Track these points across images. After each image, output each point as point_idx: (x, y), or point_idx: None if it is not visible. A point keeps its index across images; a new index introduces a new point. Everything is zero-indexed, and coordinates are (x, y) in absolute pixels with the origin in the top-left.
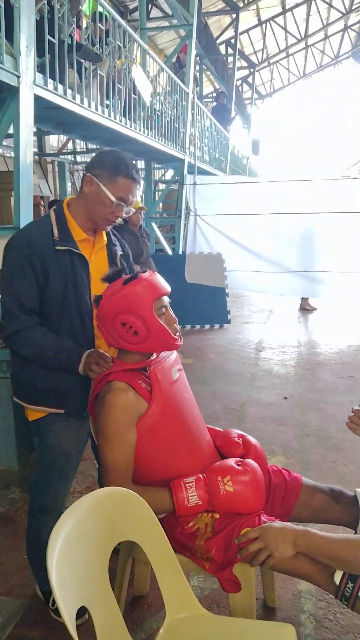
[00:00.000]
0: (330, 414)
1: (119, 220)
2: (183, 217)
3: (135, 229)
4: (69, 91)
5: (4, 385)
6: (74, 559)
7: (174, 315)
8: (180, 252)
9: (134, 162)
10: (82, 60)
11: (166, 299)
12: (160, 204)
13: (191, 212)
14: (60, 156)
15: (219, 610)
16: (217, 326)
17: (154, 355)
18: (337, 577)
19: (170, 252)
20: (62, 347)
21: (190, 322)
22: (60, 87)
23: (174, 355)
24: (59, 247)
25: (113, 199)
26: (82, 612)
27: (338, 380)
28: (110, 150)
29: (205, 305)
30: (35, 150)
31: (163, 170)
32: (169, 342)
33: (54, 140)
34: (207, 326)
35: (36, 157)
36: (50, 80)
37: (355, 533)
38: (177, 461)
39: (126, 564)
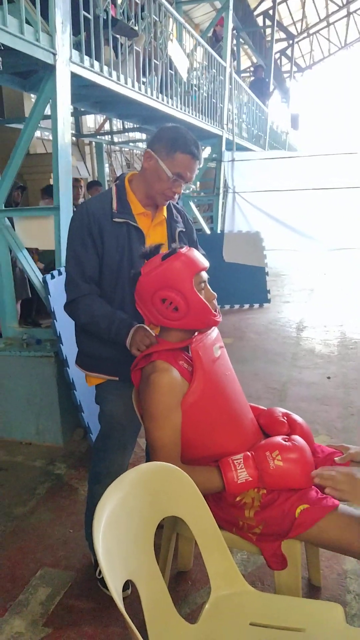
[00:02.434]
0: None
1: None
2: (221, 195)
3: None
4: (105, 68)
5: (47, 364)
6: (119, 533)
7: (213, 292)
8: (218, 231)
9: (194, 138)
10: (117, 36)
11: (205, 275)
12: (198, 183)
13: (229, 189)
14: (98, 137)
15: (262, 588)
16: (256, 306)
17: (196, 334)
18: None
19: (208, 232)
20: (114, 319)
21: (229, 301)
22: (96, 64)
23: (215, 332)
24: (116, 219)
25: (169, 174)
26: (124, 586)
27: None
28: (171, 126)
29: (245, 284)
30: (72, 131)
31: (201, 148)
32: (209, 317)
33: (90, 122)
34: (246, 306)
35: (73, 138)
36: (86, 58)
37: None
38: (221, 439)
39: (170, 539)
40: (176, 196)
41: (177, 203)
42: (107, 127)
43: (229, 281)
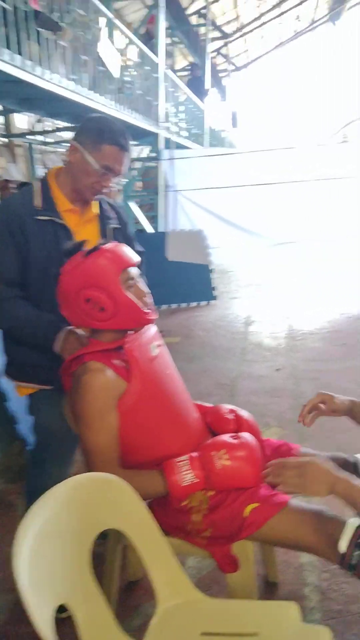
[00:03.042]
0: (325, 382)
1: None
2: (162, 194)
3: None
4: (28, 62)
5: None
6: (48, 555)
7: (144, 288)
8: (161, 231)
9: (122, 128)
10: (41, 30)
11: (134, 271)
12: (140, 182)
13: (170, 188)
14: (29, 137)
15: (219, 590)
16: (204, 303)
17: (130, 332)
18: (342, 545)
19: (151, 231)
20: (39, 323)
21: (175, 300)
22: (18, 57)
23: (152, 330)
24: (40, 217)
25: (97, 167)
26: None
27: (331, 349)
28: (97, 116)
29: (190, 282)
30: (1, 132)
31: (141, 147)
32: (140, 316)
33: (22, 122)
34: (193, 304)
35: (4, 139)
36: (6, 51)
37: None
38: (164, 441)
39: (115, 550)
40: (105, 190)
41: (114, 201)
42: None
43: (174, 280)
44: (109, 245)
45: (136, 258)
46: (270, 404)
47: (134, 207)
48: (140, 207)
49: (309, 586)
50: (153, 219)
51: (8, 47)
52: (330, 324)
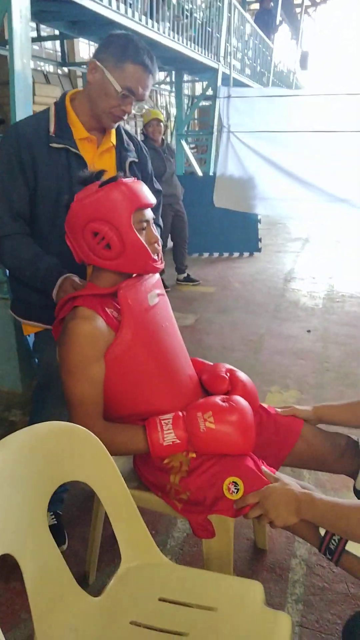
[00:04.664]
0: (355, 349)
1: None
2: (215, 134)
3: (156, 144)
4: None
5: (3, 307)
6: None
7: (156, 234)
8: (210, 174)
9: (148, 48)
10: None
11: (149, 214)
12: (196, 121)
13: (224, 128)
14: (85, 67)
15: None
16: (246, 254)
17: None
18: (323, 529)
19: (200, 174)
20: (39, 267)
21: (218, 249)
22: None
23: (155, 278)
24: (53, 145)
25: (118, 88)
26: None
27: None
28: (122, 33)
29: (235, 232)
30: (58, 60)
31: (199, 83)
32: (146, 262)
33: (84, 52)
34: (236, 254)
35: (65, 69)
36: None
37: (355, 483)
38: (151, 396)
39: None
40: (125, 116)
41: (163, 140)
42: None
43: (219, 227)
44: (128, 180)
45: (153, 199)
46: (293, 366)
47: (185, 147)
48: (195, 147)
49: (297, 558)
50: (205, 162)
51: None
52: None
